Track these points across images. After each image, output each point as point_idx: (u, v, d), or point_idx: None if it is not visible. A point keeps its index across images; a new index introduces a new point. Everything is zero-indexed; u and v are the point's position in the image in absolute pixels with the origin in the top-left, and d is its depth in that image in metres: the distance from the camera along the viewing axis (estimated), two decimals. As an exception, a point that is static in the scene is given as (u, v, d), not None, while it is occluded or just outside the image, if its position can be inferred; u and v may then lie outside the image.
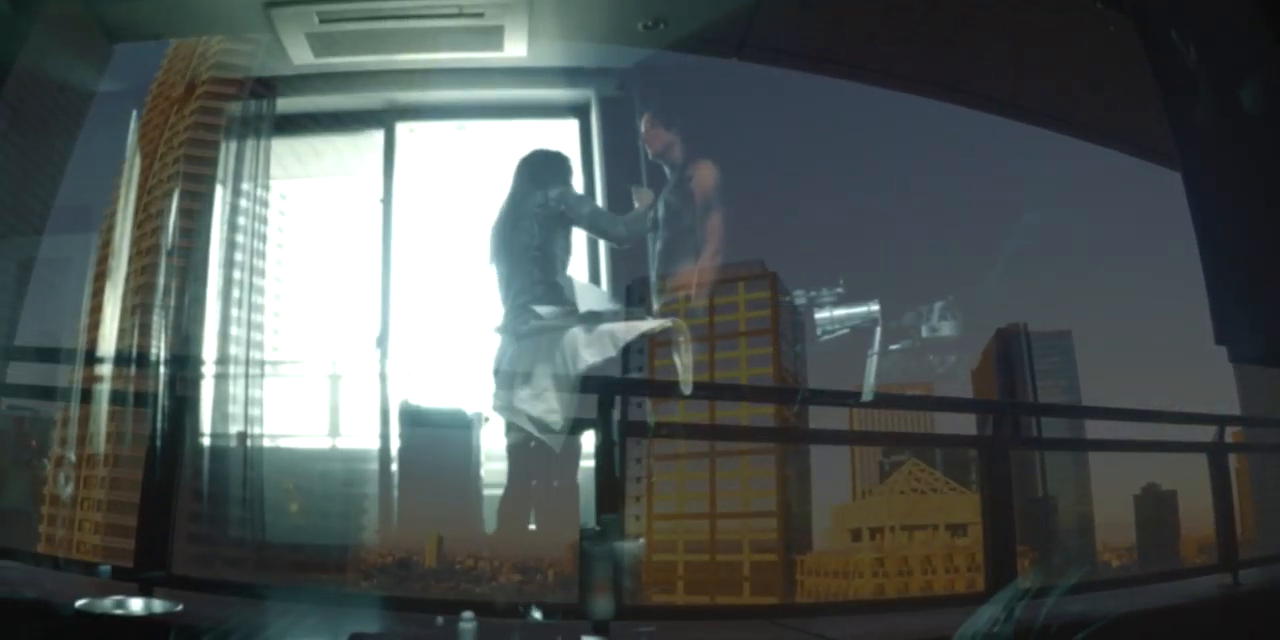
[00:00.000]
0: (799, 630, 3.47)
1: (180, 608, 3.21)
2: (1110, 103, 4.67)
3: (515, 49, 4.51)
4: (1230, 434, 4.97)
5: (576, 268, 4.12)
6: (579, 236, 3.92)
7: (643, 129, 4.13)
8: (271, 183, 5.05)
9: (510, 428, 3.51)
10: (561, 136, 4.87)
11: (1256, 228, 2.38)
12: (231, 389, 4.72)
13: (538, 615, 3.13)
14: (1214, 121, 2.40)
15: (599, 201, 4.57)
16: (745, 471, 7.15)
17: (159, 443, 3.68)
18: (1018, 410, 5.31)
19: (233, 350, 4.90)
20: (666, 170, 4.11)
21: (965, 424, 4.86)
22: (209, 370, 4.79)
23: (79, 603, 3.08)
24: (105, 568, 3.38)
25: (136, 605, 3.18)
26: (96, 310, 5.07)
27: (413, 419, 4.06)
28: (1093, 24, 3.92)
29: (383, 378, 4.61)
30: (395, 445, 4.34)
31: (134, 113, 5.07)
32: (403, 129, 5.04)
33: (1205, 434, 4.84)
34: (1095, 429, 5.17)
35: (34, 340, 4.39)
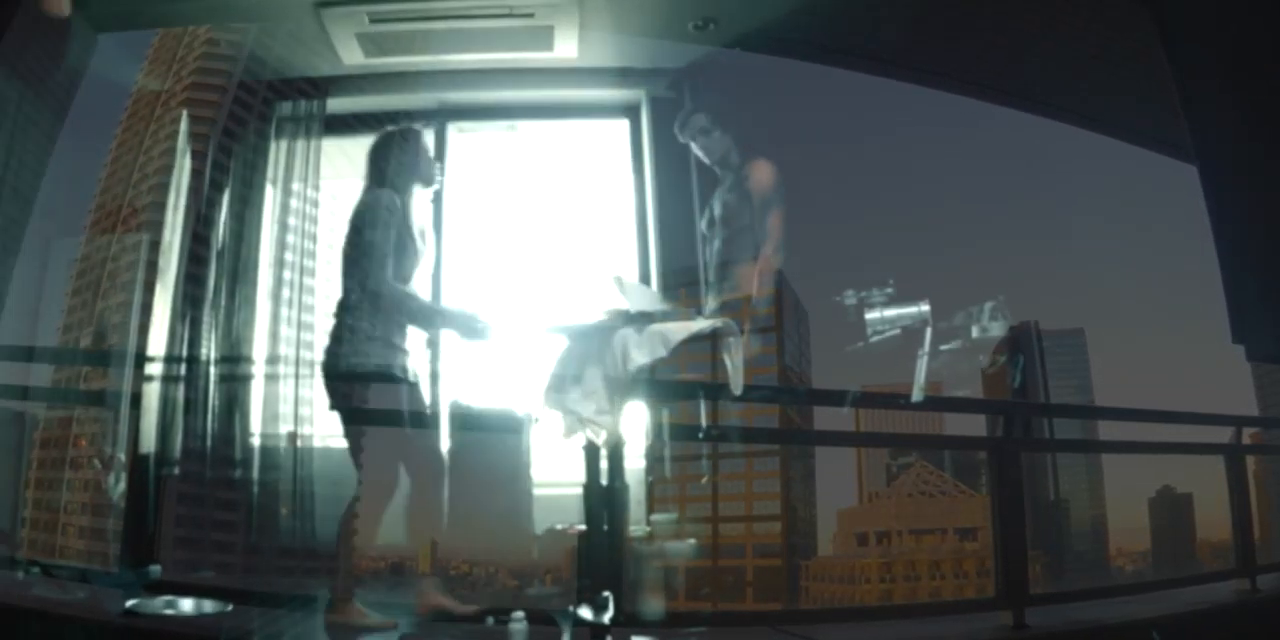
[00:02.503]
0: (803, 638, 3.48)
1: (230, 608, 3.29)
2: (1126, 96, 4.68)
3: (566, 49, 4.60)
4: (1247, 435, 4.98)
5: (626, 268, 4.17)
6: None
7: (698, 126, 4.17)
8: (322, 183, 5.15)
9: (560, 428, 3.56)
10: (612, 136, 4.98)
11: (1274, 224, 2.39)
12: (281, 389, 4.80)
13: (586, 615, 3.17)
14: (1232, 117, 2.41)
15: (648, 204, 4.70)
16: (748, 474, 7.16)
17: (209, 444, 3.74)
18: (1029, 411, 5.32)
19: (283, 350, 4.97)
20: (718, 170, 4.15)
21: (975, 425, 4.86)
22: (259, 370, 4.87)
23: (129, 603, 3.17)
24: (155, 568, 3.46)
25: (187, 605, 3.26)
26: (73, 310, 5.09)
27: (462, 419, 4.13)
28: (1110, 16, 3.94)
29: (433, 378, 4.70)
30: (444, 446, 4.42)
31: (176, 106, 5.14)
32: (453, 129, 5.13)
33: (1221, 435, 4.85)
34: (1108, 430, 5.18)
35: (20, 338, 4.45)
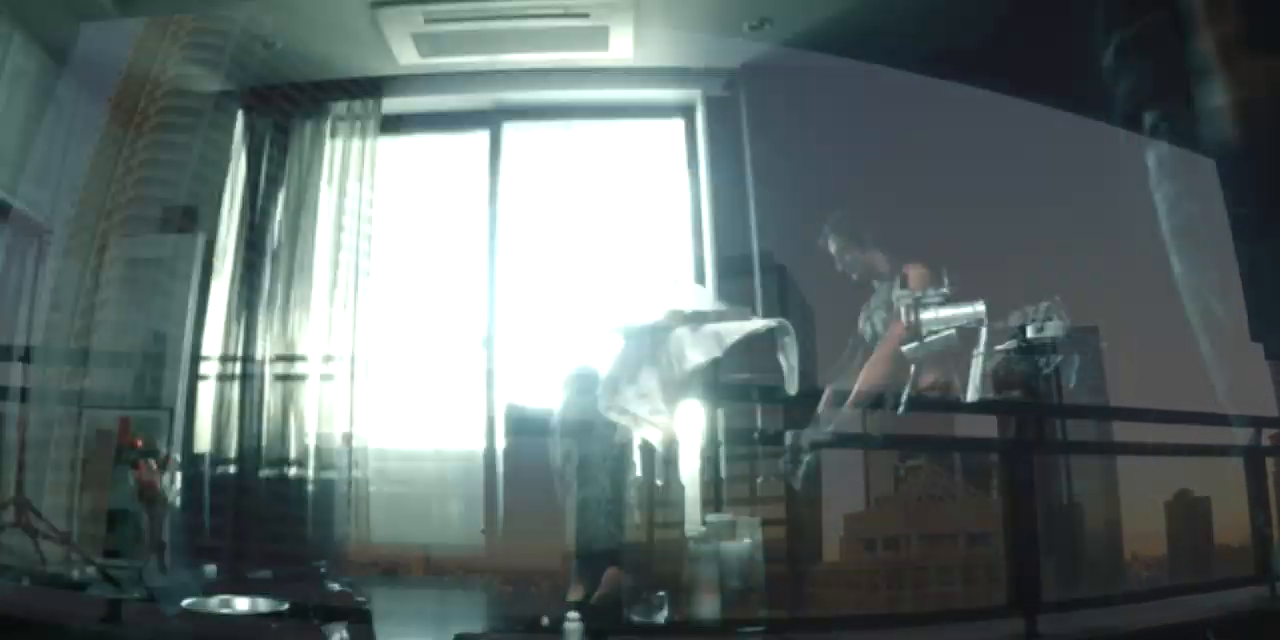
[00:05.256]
0: (809, 645, 3.49)
1: (287, 606, 3.37)
2: (1142, 90, 4.70)
3: (621, 49, 4.72)
4: (1267, 436, 4.99)
5: (681, 269, 4.21)
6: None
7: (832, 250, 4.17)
8: (377, 183, 5.22)
9: (617, 429, 3.62)
10: (667, 136, 5.06)
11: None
12: (336, 389, 4.89)
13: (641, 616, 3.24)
14: (1251, 111, 2.42)
15: (703, 205, 4.77)
16: (751, 476, 7.15)
17: (263, 444, 3.80)
18: (1041, 412, 5.33)
19: (338, 350, 5.05)
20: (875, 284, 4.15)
21: (986, 426, 4.88)
22: (313, 370, 4.96)
23: (185, 601, 3.29)
24: (210, 568, 3.56)
25: (242, 604, 3.30)
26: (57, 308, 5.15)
27: (517, 420, 4.21)
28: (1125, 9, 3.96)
29: (488, 378, 4.80)
30: (500, 446, 4.51)
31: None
32: (508, 129, 5.21)
33: (1241, 437, 4.86)
34: (1123, 431, 5.19)
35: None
